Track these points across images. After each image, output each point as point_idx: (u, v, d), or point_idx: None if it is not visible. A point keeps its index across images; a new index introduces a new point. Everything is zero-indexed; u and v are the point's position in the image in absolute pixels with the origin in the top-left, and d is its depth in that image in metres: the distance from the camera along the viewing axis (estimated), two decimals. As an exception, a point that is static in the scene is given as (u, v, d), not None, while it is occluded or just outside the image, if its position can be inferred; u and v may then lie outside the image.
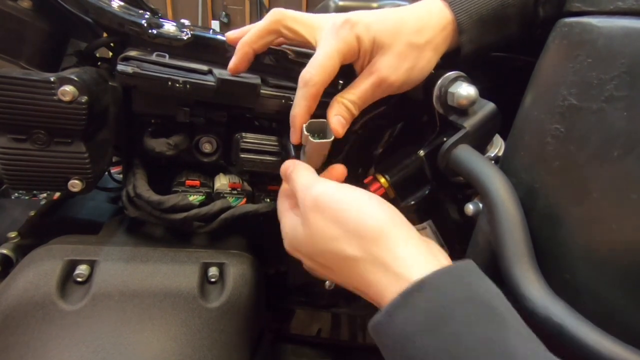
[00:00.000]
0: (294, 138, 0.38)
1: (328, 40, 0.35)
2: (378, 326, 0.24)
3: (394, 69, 0.36)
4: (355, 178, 0.46)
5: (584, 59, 0.28)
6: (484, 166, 0.33)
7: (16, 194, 0.90)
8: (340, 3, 0.62)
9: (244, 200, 0.48)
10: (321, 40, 0.36)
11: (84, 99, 0.37)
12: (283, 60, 0.46)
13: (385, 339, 0.24)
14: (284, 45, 0.44)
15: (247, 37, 0.40)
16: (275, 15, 0.39)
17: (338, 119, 0.36)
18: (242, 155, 0.46)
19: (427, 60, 0.37)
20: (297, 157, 0.40)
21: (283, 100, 0.44)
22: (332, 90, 0.37)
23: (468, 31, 0.37)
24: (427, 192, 0.42)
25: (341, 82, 0.41)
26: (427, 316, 0.22)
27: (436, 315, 0.22)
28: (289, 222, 0.35)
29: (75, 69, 0.40)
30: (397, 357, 0.23)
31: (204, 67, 0.42)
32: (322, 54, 0.35)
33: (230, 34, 0.43)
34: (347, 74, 0.39)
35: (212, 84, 0.41)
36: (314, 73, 0.35)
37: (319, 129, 0.38)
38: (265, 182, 0.50)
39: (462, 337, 0.21)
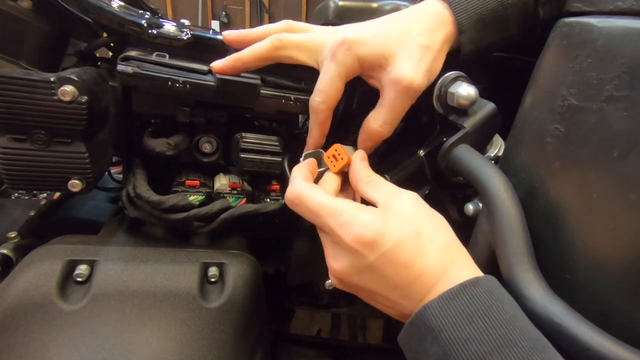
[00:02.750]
0: (308, 150, 0.40)
1: (328, 64, 0.35)
2: (432, 309, 0.26)
3: (414, 70, 0.34)
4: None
5: (583, 59, 0.28)
6: (483, 166, 0.33)
7: (16, 194, 0.90)
8: (340, 3, 0.62)
9: (244, 200, 0.48)
10: (322, 64, 0.36)
11: (84, 99, 0.37)
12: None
13: (438, 321, 0.26)
14: None
15: (244, 55, 0.39)
16: (277, 41, 0.38)
17: (365, 145, 0.38)
18: (242, 155, 0.46)
19: (440, 59, 0.37)
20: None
21: (283, 100, 0.44)
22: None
23: (468, 31, 0.37)
24: (427, 192, 0.42)
25: None
26: (483, 304, 0.26)
27: (491, 304, 0.26)
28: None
29: (75, 69, 0.40)
30: (448, 337, 0.25)
31: (204, 67, 0.42)
32: (324, 81, 0.36)
33: (227, 35, 0.42)
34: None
35: (212, 84, 0.41)
36: (319, 101, 0.36)
37: (316, 159, 0.39)
38: (265, 182, 0.50)
39: (514, 325, 0.25)
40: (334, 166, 0.37)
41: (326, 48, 0.36)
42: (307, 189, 0.32)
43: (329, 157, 0.38)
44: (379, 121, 0.36)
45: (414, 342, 0.28)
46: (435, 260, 0.29)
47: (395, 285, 0.29)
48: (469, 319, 0.25)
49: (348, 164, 0.37)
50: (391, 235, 0.29)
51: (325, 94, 0.36)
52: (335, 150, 0.37)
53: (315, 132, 0.38)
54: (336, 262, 0.31)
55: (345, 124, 0.43)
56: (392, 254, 0.28)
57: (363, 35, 0.35)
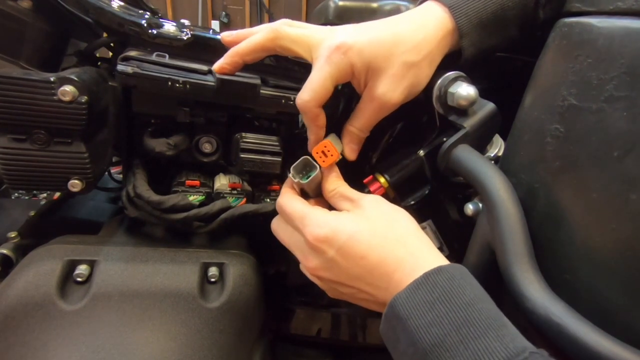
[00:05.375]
0: (311, 146, 0.40)
1: (321, 64, 0.36)
2: (400, 299, 0.29)
3: (392, 92, 0.36)
4: (354, 178, 0.46)
5: (583, 59, 0.28)
6: (483, 166, 0.33)
7: (16, 194, 0.90)
8: (340, 3, 0.62)
9: (244, 200, 0.48)
10: (316, 61, 0.36)
11: (84, 99, 0.37)
12: (283, 60, 0.46)
13: (405, 309, 0.28)
14: None
15: (241, 47, 0.39)
16: (273, 32, 0.38)
17: (350, 147, 0.40)
18: (242, 155, 0.46)
19: (425, 75, 0.38)
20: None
21: (283, 100, 0.44)
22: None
23: (468, 35, 0.37)
24: (427, 192, 0.42)
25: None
26: (444, 290, 0.28)
27: (452, 290, 0.28)
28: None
29: (75, 69, 0.40)
30: (413, 324, 0.28)
31: (204, 67, 0.42)
32: (314, 79, 0.36)
33: (226, 36, 0.42)
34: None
35: (212, 84, 0.41)
36: (306, 99, 0.36)
37: (304, 166, 0.39)
38: (265, 182, 0.50)
39: (473, 307, 0.27)
40: (323, 161, 0.38)
41: (323, 46, 0.36)
42: (286, 199, 0.38)
43: (317, 153, 0.38)
44: (354, 125, 0.39)
45: (390, 332, 0.30)
46: (389, 251, 0.32)
47: (358, 275, 0.33)
48: (431, 305, 0.28)
49: (338, 159, 0.39)
50: (344, 231, 0.33)
51: (314, 92, 0.36)
52: (325, 147, 0.38)
53: (312, 128, 0.39)
54: (308, 262, 0.36)
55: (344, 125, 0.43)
56: (348, 248, 0.33)
57: (359, 42, 0.35)
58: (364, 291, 0.34)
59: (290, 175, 0.38)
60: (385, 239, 0.33)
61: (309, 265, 0.36)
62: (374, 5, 0.63)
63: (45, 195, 0.89)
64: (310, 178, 0.38)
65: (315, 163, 0.38)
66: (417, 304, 0.28)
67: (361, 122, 0.38)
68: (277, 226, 0.40)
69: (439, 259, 0.32)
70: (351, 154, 0.40)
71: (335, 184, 0.38)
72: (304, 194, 0.40)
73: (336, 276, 0.34)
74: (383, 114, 0.38)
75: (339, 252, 0.33)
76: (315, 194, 0.40)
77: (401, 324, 0.28)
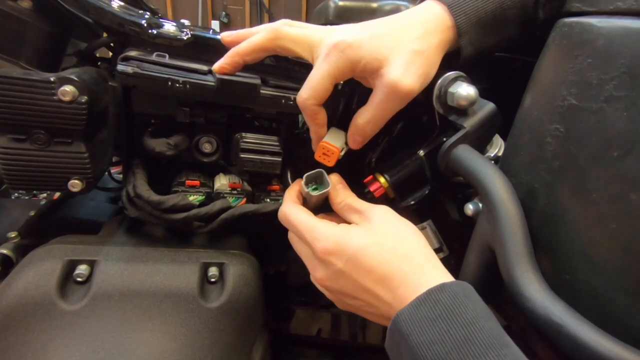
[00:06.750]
0: (314, 145, 0.41)
1: (321, 63, 0.36)
2: (403, 316, 0.29)
3: (404, 76, 0.34)
4: (354, 178, 0.46)
5: (583, 59, 0.28)
6: (483, 166, 0.33)
7: (16, 194, 0.90)
8: (340, 3, 0.62)
9: (244, 200, 0.48)
10: (316, 61, 0.36)
11: (84, 99, 0.37)
12: (283, 60, 0.46)
13: (407, 326, 0.29)
14: None
15: (241, 47, 0.39)
16: (273, 32, 0.38)
17: (353, 138, 0.39)
18: (242, 155, 0.46)
19: (434, 63, 0.37)
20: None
21: (283, 100, 0.44)
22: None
23: (467, 34, 0.37)
24: (427, 192, 0.42)
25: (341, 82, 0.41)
26: (446, 308, 0.28)
27: (454, 307, 0.28)
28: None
29: (75, 69, 0.40)
30: (415, 340, 0.28)
31: (204, 67, 0.42)
32: (313, 77, 0.36)
33: (225, 36, 0.42)
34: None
35: (212, 84, 0.41)
36: (305, 97, 0.36)
37: (315, 178, 0.39)
38: (265, 182, 0.50)
39: (474, 326, 0.27)
40: (329, 162, 0.39)
41: (322, 45, 0.36)
42: (291, 210, 0.38)
43: (320, 157, 0.39)
44: (365, 119, 0.37)
45: (394, 347, 0.30)
46: (396, 267, 0.32)
47: (364, 289, 0.33)
48: (433, 322, 0.28)
49: (340, 153, 0.39)
50: (352, 244, 0.33)
51: (312, 90, 0.36)
52: (323, 148, 0.39)
53: (312, 126, 0.39)
54: (316, 272, 0.36)
55: (346, 123, 0.43)
56: (356, 261, 0.33)
57: (358, 39, 0.35)
58: (369, 304, 0.34)
59: (302, 183, 0.38)
60: (392, 255, 0.33)
61: (317, 276, 0.36)
62: (374, 5, 0.63)
63: (45, 195, 0.89)
64: (320, 192, 0.38)
65: (329, 181, 0.38)
66: (420, 321, 0.28)
67: (372, 114, 0.36)
68: (292, 236, 0.40)
69: (444, 276, 0.32)
70: (354, 145, 0.39)
71: (343, 196, 0.39)
72: (305, 202, 0.40)
73: (343, 288, 0.35)
74: (398, 104, 0.36)
75: (347, 265, 0.33)
76: (317, 206, 0.40)
77: (404, 340, 0.28)
